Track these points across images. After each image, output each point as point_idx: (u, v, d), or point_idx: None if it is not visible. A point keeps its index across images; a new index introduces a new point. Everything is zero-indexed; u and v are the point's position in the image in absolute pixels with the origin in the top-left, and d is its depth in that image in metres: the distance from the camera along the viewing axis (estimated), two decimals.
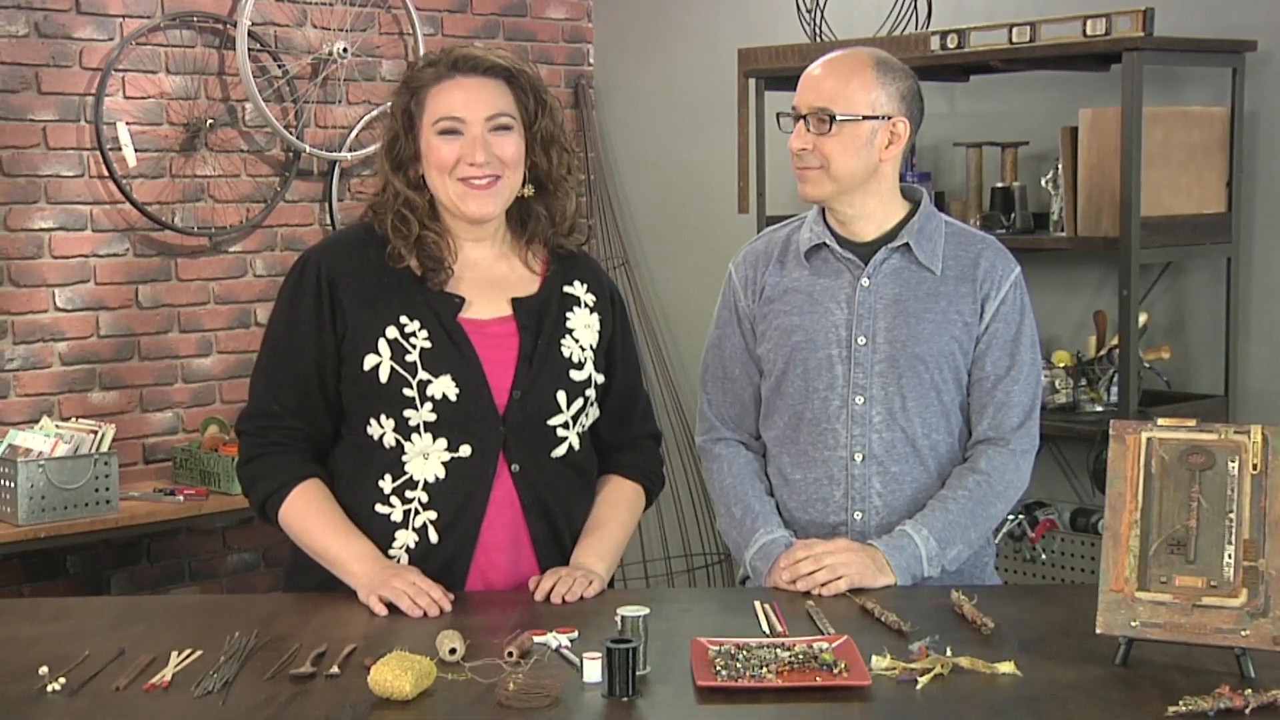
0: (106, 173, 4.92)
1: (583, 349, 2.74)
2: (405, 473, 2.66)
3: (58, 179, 4.87)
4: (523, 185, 2.73)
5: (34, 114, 4.81)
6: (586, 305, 2.79)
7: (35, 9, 4.79)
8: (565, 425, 2.71)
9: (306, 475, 2.70)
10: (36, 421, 4.70)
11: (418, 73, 2.71)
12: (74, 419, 4.76)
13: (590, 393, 2.75)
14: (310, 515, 2.68)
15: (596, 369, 2.76)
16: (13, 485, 4.39)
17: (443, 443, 2.64)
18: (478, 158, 2.63)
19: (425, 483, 2.65)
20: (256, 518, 2.78)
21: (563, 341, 2.73)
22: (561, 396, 2.70)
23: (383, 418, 2.64)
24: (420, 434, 2.63)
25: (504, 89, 2.69)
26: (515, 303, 2.72)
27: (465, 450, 2.64)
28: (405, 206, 2.69)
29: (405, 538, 2.66)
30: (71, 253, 4.90)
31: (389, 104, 2.75)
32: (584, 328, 2.76)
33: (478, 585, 2.67)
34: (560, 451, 2.72)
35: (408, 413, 2.62)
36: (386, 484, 2.66)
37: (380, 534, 2.66)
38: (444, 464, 2.65)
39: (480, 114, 2.65)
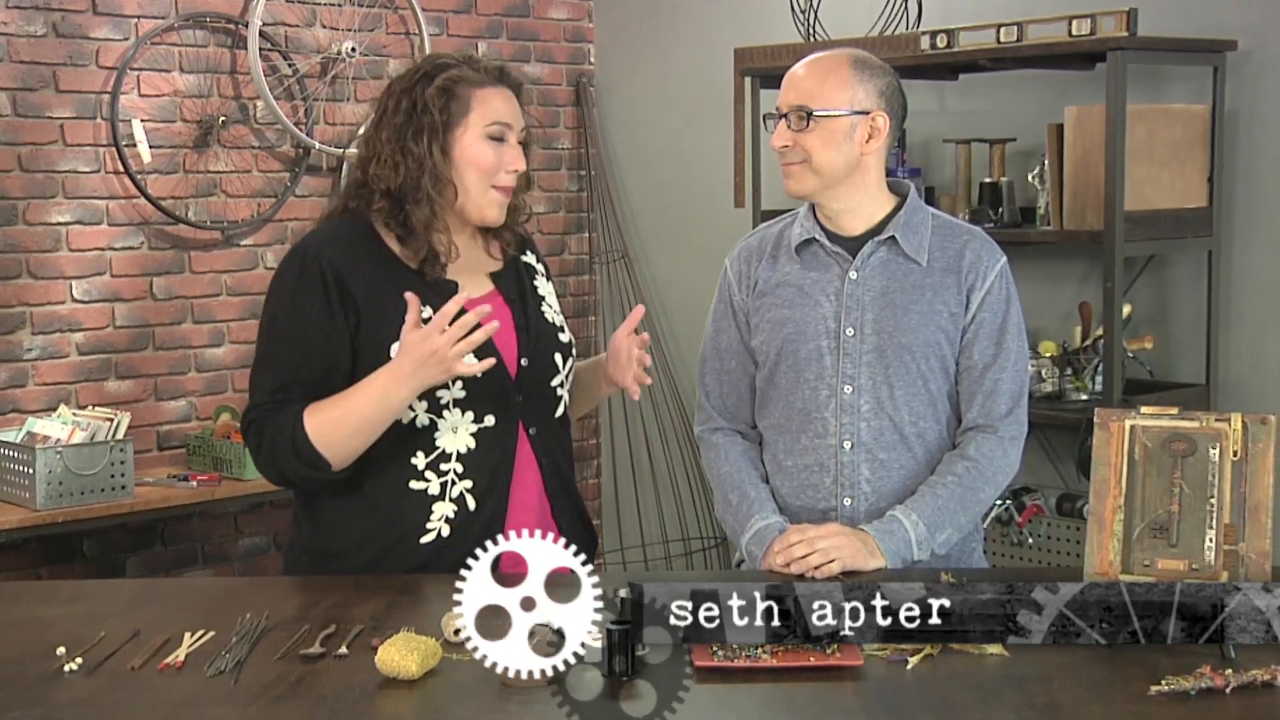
0: (122, 168, 4.96)
1: (555, 313, 2.88)
2: (437, 447, 2.70)
3: (75, 174, 4.90)
4: None
5: (52, 111, 4.85)
6: (540, 274, 2.92)
7: (53, 9, 4.82)
8: (561, 385, 2.84)
9: (307, 406, 2.66)
10: (54, 409, 4.74)
11: (461, 72, 2.72)
12: (90, 407, 4.80)
13: (574, 352, 2.89)
14: (327, 406, 2.63)
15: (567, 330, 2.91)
16: (31, 471, 4.41)
17: (470, 415, 2.71)
18: (521, 165, 2.74)
19: (458, 454, 2.71)
20: (311, 474, 2.65)
21: (543, 308, 2.84)
22: (558, 359, 2.82)
23: (415, 400, 2.66)
24: (450, 409, 2.69)
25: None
26: (494, 278, 2.82)
27: (490, 419, 2.72)
28: (429, 195, 2.70)
29: (443, 509, 2.70)
30: (88, 246, 4.94)
31: (413, 92, 2.73)
32: (549, 294, 2.90)
33: None
34: (560, 411, 2.84)
35: (440, 392, 2.67)
36: (419, 460, 2.70)
37: (416, 508, 2.70)
38: (472, 434, 2.71)
39: (519, 125, 2.76)
